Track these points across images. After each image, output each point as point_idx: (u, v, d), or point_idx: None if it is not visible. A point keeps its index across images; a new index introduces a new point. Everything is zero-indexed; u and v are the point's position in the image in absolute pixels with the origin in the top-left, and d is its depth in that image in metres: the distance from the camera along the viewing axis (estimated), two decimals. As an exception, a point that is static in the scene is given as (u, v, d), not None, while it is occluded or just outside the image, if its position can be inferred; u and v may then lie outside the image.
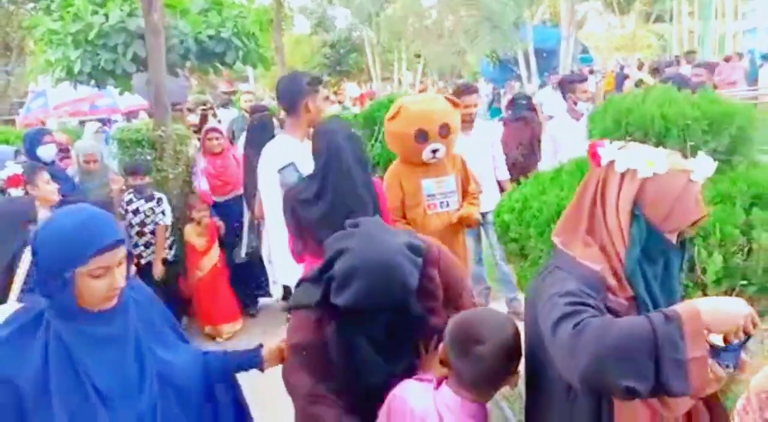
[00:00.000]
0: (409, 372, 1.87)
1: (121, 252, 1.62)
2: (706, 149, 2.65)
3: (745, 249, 2.33)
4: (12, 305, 2.76)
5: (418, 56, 22.30)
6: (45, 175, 3.55)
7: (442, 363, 1.74)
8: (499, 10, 14.24)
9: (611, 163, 1.61)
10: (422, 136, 3.59)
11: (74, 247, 1.54)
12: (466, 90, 4.94)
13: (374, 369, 1.82)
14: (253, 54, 11.92)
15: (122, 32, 9.90)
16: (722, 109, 2.58)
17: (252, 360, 2.04)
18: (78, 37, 10.82)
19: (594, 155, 1.65)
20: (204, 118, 9.47)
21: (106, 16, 10.54)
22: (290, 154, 3.22)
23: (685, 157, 1.59)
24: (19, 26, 15.77)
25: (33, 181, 3.45)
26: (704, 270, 2.30)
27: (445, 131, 3.62)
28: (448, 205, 3.82)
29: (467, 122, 4.82)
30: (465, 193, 3.97)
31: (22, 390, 1.53)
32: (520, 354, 1.69)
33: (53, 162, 4.84)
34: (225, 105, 11.73)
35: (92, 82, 11.92)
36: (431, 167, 3.76)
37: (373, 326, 1.77)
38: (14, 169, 3.56)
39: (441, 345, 1.74)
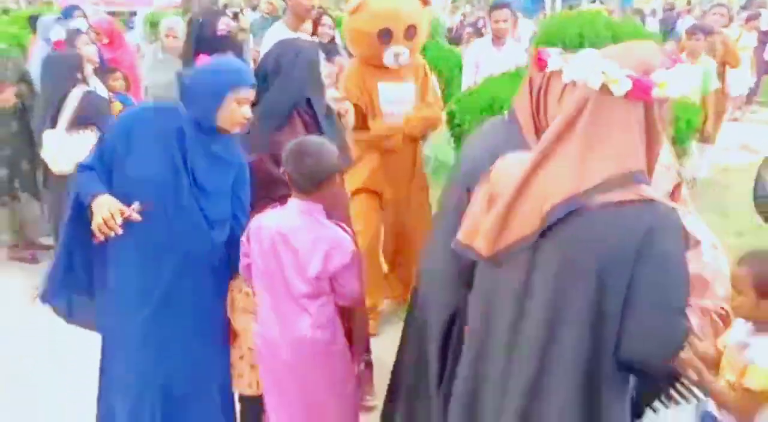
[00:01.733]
0: None
1: (252, 95, 2.16)
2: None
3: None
4: (61, 131, 3.56)
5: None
6: (85, 38, 4.27)
7: (289, 181, 2.13)
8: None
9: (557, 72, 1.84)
10: (386, 36, 3.32)
11: (238, 76, 2.10)
12: (495, 6, 5.24)
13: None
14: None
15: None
16: (630, 31, 3.20)
17: None
18: None
19: (540, 61, 1.95)
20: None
21: None
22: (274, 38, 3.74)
23: None
24: None
25: (74, 44, 4.16)
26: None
27: (411, 33, 3.37)
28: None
29: (498, 37, 5.15)
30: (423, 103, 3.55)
31: (134, 148, 2.06)
32: (336, 172, 2.15)
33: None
34: (254, 8, 12.25)
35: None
36: (391, 71, 3.44)
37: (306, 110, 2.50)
38: (59, 34, 4.31)
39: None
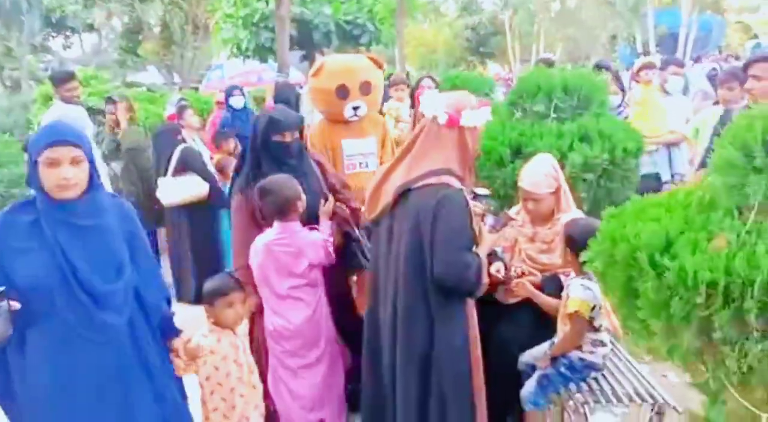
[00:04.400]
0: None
1: (72, 152, 1.86)
2: (564, 105, 4.15)
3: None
4: (169, 177, 4.92)
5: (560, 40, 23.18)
6: (190, 111, 5.56)
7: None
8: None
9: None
10: (343, 92, 3.70)
11: (44, 136, 1.89)
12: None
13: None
14: (385, 35, 13.98)
15: (280, 15, 12.02)
16: (579, 80, 4.07)
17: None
18: (246, 20, 13.44)
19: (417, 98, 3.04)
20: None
21: (267, 2, 12.98)
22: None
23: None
24: (205, 9, 18.98)
25: (182, 116, 5.51)
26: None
27: (366, 89, 3.73)
28: (367, 165, 3.89)
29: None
30: (384, 156, 3.99)
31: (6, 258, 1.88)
32: (295, 200, 2.80)
33: (244, 107, 6.84)
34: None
35: (256, 57, 14.49)
36: (352, 127, 3.84)
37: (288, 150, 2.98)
38: (171, 109, 5.84)
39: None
